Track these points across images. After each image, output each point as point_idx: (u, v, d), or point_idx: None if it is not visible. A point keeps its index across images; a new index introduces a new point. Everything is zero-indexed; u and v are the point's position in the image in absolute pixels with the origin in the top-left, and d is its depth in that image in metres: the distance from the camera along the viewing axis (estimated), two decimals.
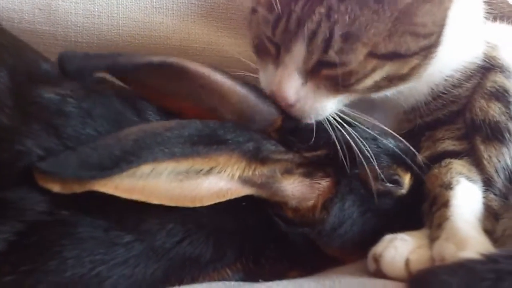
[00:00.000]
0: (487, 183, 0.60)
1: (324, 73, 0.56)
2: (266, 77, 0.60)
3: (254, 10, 0.61)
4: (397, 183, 0.58)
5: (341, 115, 0.58)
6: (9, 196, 0.47)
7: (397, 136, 0.61)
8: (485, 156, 0.60)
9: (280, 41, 0.56)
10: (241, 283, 0.54)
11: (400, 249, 0.53)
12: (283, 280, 0.53)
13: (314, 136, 0.56)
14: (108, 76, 0.61)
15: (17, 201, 0.47)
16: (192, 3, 0.80)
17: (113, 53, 0.56)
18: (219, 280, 0.54)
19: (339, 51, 0.53)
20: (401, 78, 0.59)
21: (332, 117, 0.57)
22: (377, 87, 0.58)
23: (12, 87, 0.51)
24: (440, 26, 0.59)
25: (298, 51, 0.55)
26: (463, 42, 0.65)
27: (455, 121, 0.64)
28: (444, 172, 0.59)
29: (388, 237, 0.55)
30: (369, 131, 0.58)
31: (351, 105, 0.61)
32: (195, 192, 0.50)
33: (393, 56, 0.56)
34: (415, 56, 0.57)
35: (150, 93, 0.56)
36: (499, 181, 0.60)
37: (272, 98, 0.58)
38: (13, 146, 0.48)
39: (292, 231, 0.56)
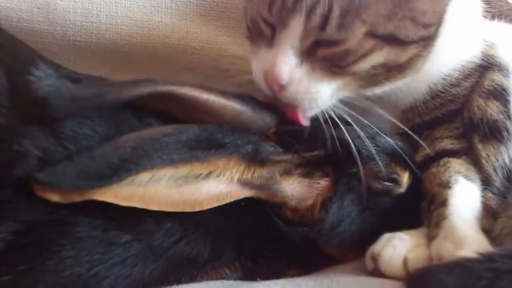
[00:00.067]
0: (486, 182, 0.60)
1: (320, 53, 0.55)
2: (258, 61, 0.58)
3: None
4: (396, 181, 0.58)
5: (339, 112, 0.58)
6: (7, 196, 0.47)
7: (395, 135, 0.61)
8: (483, 155, 0.60)
9: (277, 19, 0.55)
10: (240, 282, 0.54)
11: (398, 248, 0.53)
12: (281, 279, 0.53)
13: (311, 136, 0.56)
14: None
15: (15, 201, 0.47)
16: (190, 2, 0.80)
17: (99, 90, 0.53)
18: (217, 279, 0.54)
19: (337, 28, 0.52)
20: (399, 69, 0.58)
21: (330, 116, 0.57)
22: (375, 76, 0.57)
23: (9, 87, 0.51)
24: (439, 18, 0.59)
25: (295, 29, 0.54)
26: (462, 40, 0.65)
27: (454, 120, 0.64)
28: (442, 171, 0.59)
29: (386, 236, 0.55)
30: (367, 129, 0.58)
31: (349, 106, 0.61)
32: (195, 197, 0.50)
33: (392, 39, 0.55)
34: (413, 45, 0.57)
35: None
36: (498, 180, 0.60)
37: (264, 81, 0.57)
38: (11, 146, 0.48)
39: (291, 230, 0.56)
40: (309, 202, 0.55)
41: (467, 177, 0.59)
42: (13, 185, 0.47)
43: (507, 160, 0.60)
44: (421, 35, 0.57)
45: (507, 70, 0.64)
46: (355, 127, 0.57)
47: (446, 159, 0.60)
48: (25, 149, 0.48)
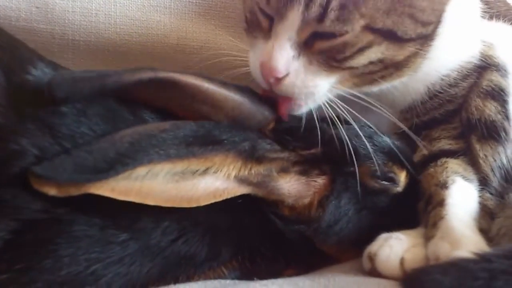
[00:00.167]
0: (483, 182, 0.60)
1: (317, 46, 0.55)
2: (255, 53, 0.58)
3: None
4: (393, 180, 0.58)
5: (337, 110, 0.58)
6: (4, 194, 0.47)
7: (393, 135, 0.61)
8: (481, 155, 0.61)
9: (275, 10, 0.55)
10: (237, 281, 0.54)
11: (395, 248, 0.53)
12: (278, 279, 0.53)
13: (309, 134, 0.56)
14: None
15: (12, 199, 0.47)
16: (189, 1, 0.81)
17: (101, 74, 0.54)
18: (214, 278, 0.54)
19: (336, 20, 0.52)
20: (397, 66, 0.58)
21: (328, 114, 0.57)
22: (372, 72, 0.57)
23: (7, 86, 0.51)
24: (438, 17, 0.59)
25: (292, 20, 0.53)
26: (460, 41, 0.65)
27: (452, 121, 0.64)
28: (440, 171, 0.59)
29: (383, 236, 0.55)
30: (365, 128, 0.58)
31: (348, 104, 0.61)
32: (192, 193, 0.50)
33: (390, 35, 0.55)
34: (411, 42, 0.57)
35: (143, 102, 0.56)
36: (495, 180, 0.60)
37: (261, 74, 0.57)
38: (8, 145, 0.48)
39: (288, 228, 0.56)
40: (306, 200, 0.55)
41: (464, 178, 0.59)
42: (10, 184, 0.47)
43: (504, 161, 0.60)
44: (420, 33, 0.57)
45: (505, 70, 0.64)
46: (354, 126, 0.57)
47: (443, 159, 0.60)
48: (22, 148, 0.48)
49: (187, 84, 0.55)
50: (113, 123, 0.52)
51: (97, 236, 0.49)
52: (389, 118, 0.61)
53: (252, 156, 0.53)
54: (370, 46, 0.55)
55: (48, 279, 0.47)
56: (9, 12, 0.74)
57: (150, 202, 0.48)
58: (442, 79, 0.64)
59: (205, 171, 0.51)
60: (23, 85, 0.52)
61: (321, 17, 0.52)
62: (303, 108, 0.58)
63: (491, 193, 0.60)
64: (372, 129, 0.59)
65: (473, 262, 0.46)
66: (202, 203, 0.50)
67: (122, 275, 0.49)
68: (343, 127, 0.56)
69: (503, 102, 0.62)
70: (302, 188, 0.55)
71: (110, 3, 0.77)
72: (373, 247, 0.54)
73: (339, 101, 0.59)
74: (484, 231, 0.55)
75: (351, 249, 0.58)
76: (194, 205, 0.50)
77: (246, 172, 0.53)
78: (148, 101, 0.55)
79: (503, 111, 0.61)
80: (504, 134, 0.61)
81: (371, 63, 0.56)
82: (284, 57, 0.55)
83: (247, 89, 0.58)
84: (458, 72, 0.65)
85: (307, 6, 0.52)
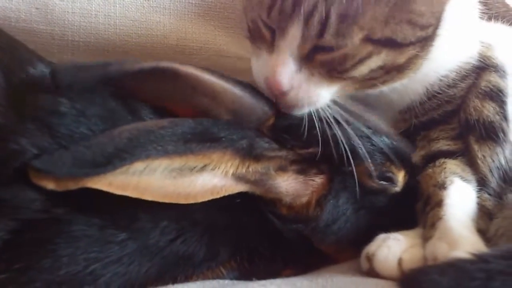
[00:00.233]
0: (481, 183, 0.60)
1: (319, 58, 0.55)
2: (259, 64, 0.59)
3: None
4: (391, 180, 0.58)
5: (336, 109, 0.58)
6: (3, 194, 0.47)
7: (393, 133, 0.61)
8: (479, 155, 0.61)
9: (276, 24, 0.55)
10: (235, 281, 0.54)
11: (393, 248, 0.53)
12: (277, 279, 0.53)
13: (307, 133, 0.56)
14: None
15: (11, 199, 0.47)
16: (189, 2, 0.80)
17: (103, 62, 0.55)
18: (213, 278, 0.54)
19: (335, 34, 0.53)
20: (398, 69, 0.58)
21: (326, 114, 0.57)
22: (373, 78, 0.58)
23: (7, 86, 0.51)
24: (437, 19, 0.59)
25: (293, 35, 0.54)
26: (459, 42, 0.65)
27: (450, 121, 0.64)
28: (438, 172, 0.59)
29: (381, 236, 0.55)
30: (363, 128, 0.58)
31: (347, 104, 0.61)
32: (189, 189, 0.50)
33: (390, 43, 0.55)
34: (411, 46, 0.57)
35: (143, 98, 0.56)
36: (493, 181, 0.60)
37: (266, 87, 0.57)
38: (8, 144, 0.48)
39: (286, 228, 0.56)
40: (304, 199, 0.56)
41: (463, 178, 0.59)
42: (10, 183, 0.48)
43: (503, 161, 0.60)
44: (419, 36, 0.57)
45: (503, 71, 0.64)
46: (352, 125, 0.57)
47: (442, 160, 0.60)
48: (21, 147, 0.48)
49: (187, 74, 0.55)
50: (112, 123, 0.52)
51: (96, 235, 0.49)
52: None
53: (250, 154, 0.53)
54: (370, 56, 0.55)
55: (47, 278, 0.47)
56: (9, 13, 0.74)
57: (148, 197, 0.49)
58: (440, 80, 0.64)
59: (203, 168, 0.51)
60: (23, 85, 0.53)
61: (321, 33, 0.53)
62: (303, 110, 0.59)
63: (489, 194, 0.60)
64: (371, 129, 0.59)
65: (470, 262, 0.46)
66: (200, 200, 0.51)
67: (120, 275, 0.49)
68: (342, 127, 0.56)
69: (501, 103, 0.62)
70: (300, 187, 0.56)
71: (109, 4, 0.77)
72: (371, 247, 0.54)
73: (339, 101, 0.59)
74: (482, 232, 0.55)
75: (349, 249, 0.58)
76: (191, 201, 0.50)
77: (244, 170, 0.53)
78: (148, 95, 0.55)
79: (501, 112, 0.61)
80: (502, 134, 0.61)
81: (372, 71, 0.56)
82: (287, 73, 0.55)
83: (247, 84, 0.58)
84: (457, 73, 0.65)
85: (306, 22, 0.53)
